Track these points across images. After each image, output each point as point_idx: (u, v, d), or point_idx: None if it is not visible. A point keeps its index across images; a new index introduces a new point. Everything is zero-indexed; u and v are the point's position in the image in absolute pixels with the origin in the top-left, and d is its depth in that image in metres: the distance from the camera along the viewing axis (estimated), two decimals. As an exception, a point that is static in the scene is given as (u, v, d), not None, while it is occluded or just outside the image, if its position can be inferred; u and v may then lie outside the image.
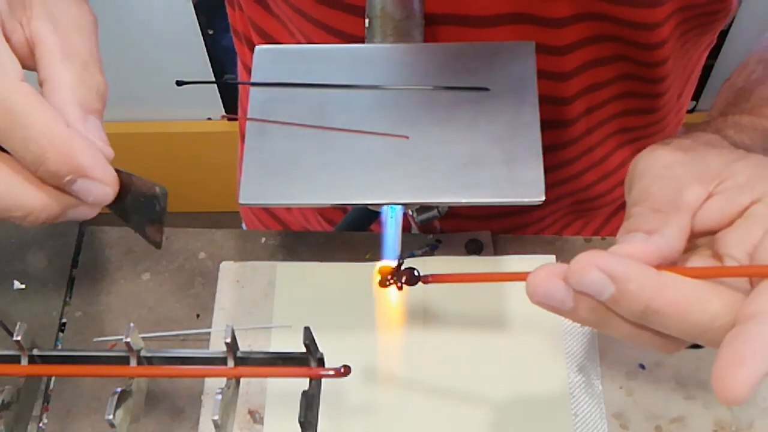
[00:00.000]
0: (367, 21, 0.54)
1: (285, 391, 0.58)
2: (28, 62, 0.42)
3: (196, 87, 0.56)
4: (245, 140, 0.50)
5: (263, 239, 0.66)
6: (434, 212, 0.61)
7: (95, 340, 0.61)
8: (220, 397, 0.45)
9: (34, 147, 0.38)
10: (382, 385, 0.58)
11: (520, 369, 0.59)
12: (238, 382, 0.49)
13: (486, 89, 0.51)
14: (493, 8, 0.56)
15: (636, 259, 0.38)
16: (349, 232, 0.67)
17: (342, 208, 0.73)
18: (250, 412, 0.58)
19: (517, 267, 0.62)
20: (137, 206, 0.42)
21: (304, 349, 0.47)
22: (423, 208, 0.61)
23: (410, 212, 0.61)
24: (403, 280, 0.44)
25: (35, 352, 0.49)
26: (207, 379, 0.59)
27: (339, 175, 0.49)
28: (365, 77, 0.52)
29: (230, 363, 0.48)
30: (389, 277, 0.44)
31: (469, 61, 0.52)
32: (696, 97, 1.48)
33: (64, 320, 0.63)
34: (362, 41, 0.54)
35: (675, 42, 0.61)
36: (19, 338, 0.47)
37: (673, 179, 0.42)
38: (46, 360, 0.49)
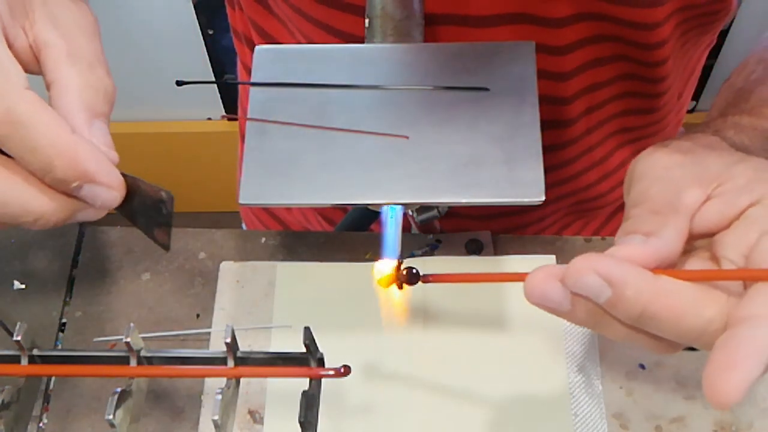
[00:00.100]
0: (367, 21, 0.54)
1: (285, 391, 0.58)
2: (33, 67, 0.43)
3: (196, 87, 0.57)
4: (245, 140, 0.50)
5: (263, 239, 0.66)
6: (434, 212, 0.61)
7: (95, 340, 0.61)
8: (220, 397, 0.45)
9: (40, 155, 0.38)
10: (382, 385, 0.58)
11: (520, 369, 0.59)
12: (238, 382, 0.49)
13: (486, 89, 0.51)
14: (493, 8, 0.56)
15: (634, 261, 0.38)
16: (349, 232, 0.67)
17: (342, 208, 0.73)
18: (250, 412, 0.58)
19: (517, 267, 0.62)
20: (144, 209, 0.43)
21: (304, 349, 0.47)
22: (423, 208, 0.61)
23: (410, 212, 0.61)
24: (403, 280, 0.44)
25: (35, 352, 0.49)
26: (207, 379, 0.59)
27: (339, 175, 0.49)
28: (365, 77, 0.52)
29: (230, 363, 0.48)
30: (390, 276, 0.44)
31: (469, 61, 0.52)
32: (696, 97, 1.48)
33: (64, 320, 0.63)
34: (362, 41, 0.54)
35: (675, 42, 0.61)
36: (19, 338, 0.47)
37: (672, 181, 0.42)
38: (46, 360, 0.49)
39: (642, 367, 0.59)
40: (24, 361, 0.48)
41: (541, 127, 0.49)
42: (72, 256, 0.65)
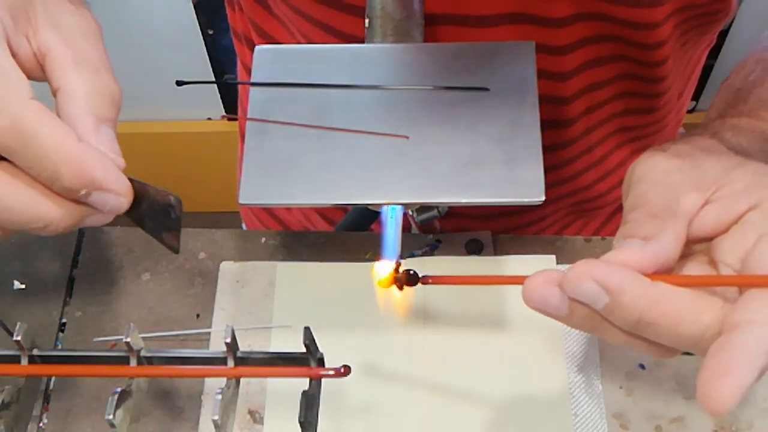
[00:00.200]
0: (367, 21, 0.54)
1: (285, 391, 0.58)
2: (37, 74, 0.43)
3: (196, 87, 0.57)
4: (245, 140, 0.50)
5: (263, 239, 0.66)
6: (434, 212, 0.61)
7: (95, 340, 0.61)
8: (220, 397, 0.45)
9: (48, 165, 0.39)
10: (382, 385, 0.58)
11: (520, 369, 0.59)
12: (238, 382, 0.49)
13: (486, 89, 0.51)
14: (493, 8, 0.56)
15: (632, 265, 0.38)
16: (349, 232, 0.67)
17: (342, 208, 0.73)
18: (250, 412, 0.58)
19: (517, 267, 0.62)
20: (153, 214, 0.43)
21: (304, 349, 0.47)
22: (423, 208, 0.61)
23: (410, 212, 0.61)
24: (402, 281, 0.44)
25: (35, 352, 0.49)
26: (207, 379, 0.59)
27: (339, 175, 0.49)
28: (365, 77, 0.52)
29: (230, 363, 0.48)
30: (390, 278, 0.44)
31: (469, 61, 0.52)
32: (696, 97, 1.48)
33: (64, 320, 0.63)
34: (362, 41, 0.54)
35: (675, 42, 0.61)
36: (19, 338, 0.47)
37: (670, 186, 0.42)
38: (46, 360, 0.49)
39: (642, 367, 0.59)
40: (24, 361, 0.48)
41: (541, 127, 0.49)
42: (72, 256, 0.65)
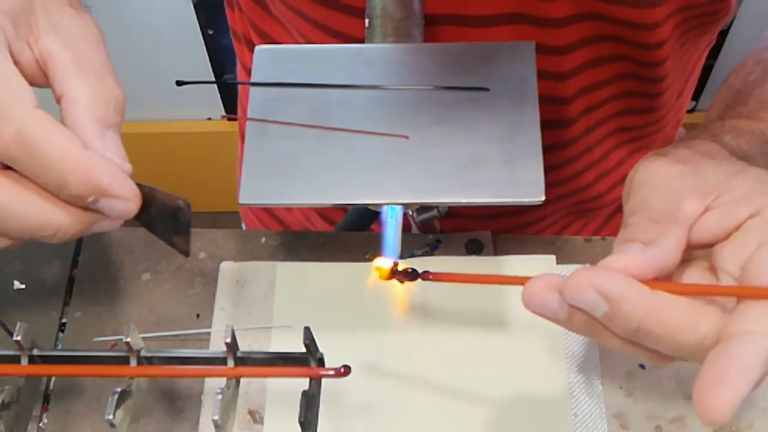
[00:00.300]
0: (367, 21, 0.54)
1: (285, 391, 0.58)
2: (40, 80, 0.43)
3: (196, 87, 0.57)
4: (245, 140, 0.50)
5: (263, 239, 0.66)
6: (434, 212, 0.61)
7: (95, 340, 0.61)
8: (220, 397, 0.45)
9: (54, 173, 0.39)
10: (382, 384, 0.58)
11: (520, 369, 0.59)
12: (238, 382, 0.49)
13: (486, 89, 0.51)
14: (493, 8, 0.56)
15: (632, 269, 0.38)
16: (349, 232, 0.67)
17: (342, 208, 0.73)
18: (250, 412, 0.58)
19: (518, 267, 0.62)
20: (161, 218, 0.44)
21: (304, 349, 0.47)
22: (423, 208, 0.61)
23: (410, 212, 0.61)
24: (403, 275, 0.44)
25: (35, 352, 0.49)
26: (207, 379, 0.59)
27: (339, 175, 0.49)
28: (365, 77, 0.52)
29: (230, 363, 0.48)
30: (390, 272, 0.44)
31: (469, 61, 0.52)
32: (696, 97, 1.48)
33: (64, 320, 0.63)
34: (361, 42, 0.54)
35: (675, 42, 0.61)
36: (19, 338, 0.47)
37: (671, 191, 0.42)
38: (46, 360, 0.49)
39: (642, 367, 0.59)
40: (24, 361, 0.48)
41: (541, 127, 0.49)
42: (72, 256, 0.65)
